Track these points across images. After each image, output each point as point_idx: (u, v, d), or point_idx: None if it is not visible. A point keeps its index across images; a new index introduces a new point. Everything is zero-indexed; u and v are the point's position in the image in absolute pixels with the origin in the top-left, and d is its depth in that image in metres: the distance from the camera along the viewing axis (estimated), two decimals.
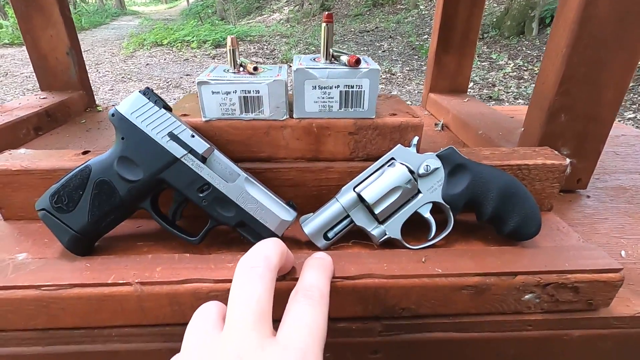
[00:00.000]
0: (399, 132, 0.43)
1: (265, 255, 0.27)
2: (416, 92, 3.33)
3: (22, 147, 0.74)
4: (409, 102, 3.08)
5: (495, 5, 4.90)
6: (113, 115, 0.36)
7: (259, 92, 0.40)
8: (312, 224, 0.39)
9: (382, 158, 0.41)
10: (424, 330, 0.38)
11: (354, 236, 0.41)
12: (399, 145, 0.41)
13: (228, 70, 0.42)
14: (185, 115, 0.42)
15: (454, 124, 0.85)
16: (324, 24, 0.39)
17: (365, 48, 4.65)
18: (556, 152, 0.48)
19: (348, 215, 0.39)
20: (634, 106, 2.66)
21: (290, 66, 0.42)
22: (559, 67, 0.52)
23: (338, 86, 0.40)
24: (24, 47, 0.92)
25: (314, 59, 0.43)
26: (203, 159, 0.37)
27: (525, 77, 3.43)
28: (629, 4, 0.47)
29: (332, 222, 0.39)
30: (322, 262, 0.32)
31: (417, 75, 3.72)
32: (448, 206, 0.40)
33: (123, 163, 0.36)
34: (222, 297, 0.34)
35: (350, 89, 0.40)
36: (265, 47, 4.88)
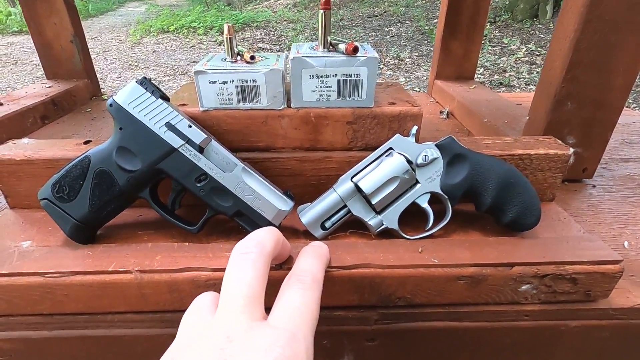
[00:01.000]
0: (397, 121, 0.42)
1: (259, 241, 0.27)
2: (424, 78, 3.27)
3: (28, 135, 0.75)
4: (417, 89, 3.03)
5: None
6: (111, 105, 0.37)
7: (255, 82, 0.39)
8: (310, 213, 0.39)
9: (380, 148, 0.40)
10: (420, 319, 0.39)
11: (352, 226, 0.41)
12: (398, 134, 0.40)
13: (225, 60, 0.41)
14: (183, 105, 0.42)
15: (459, 111, 0.84)
16: (321, 11, 0.39)
17: (373, 33, 4.56)
18: (560, 141, 0.47)
19: (345, 205, 0.39)
20: None
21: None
22: (566, 52, 0.50)
23: (336, 75, 0.39)
24: None
25: (313, 47, 0.42)
26: (200, 149, 0.37)
27: (538, 62, 3.33)
28: None
29: (330, 212, 0.39)
30: (318, 250, 0.32)
31: (426, 61, 3.64)
32: (446, 196, 0.40)
33: (121, 153, 0.37)
34: (220, 285, 0.34)
35: (348, 78, 0.40)
36: (272, 32, 4.82)
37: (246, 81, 0.40)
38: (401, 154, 0.39)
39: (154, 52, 4.30)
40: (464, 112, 0.81)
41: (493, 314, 0.39)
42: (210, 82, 0.40)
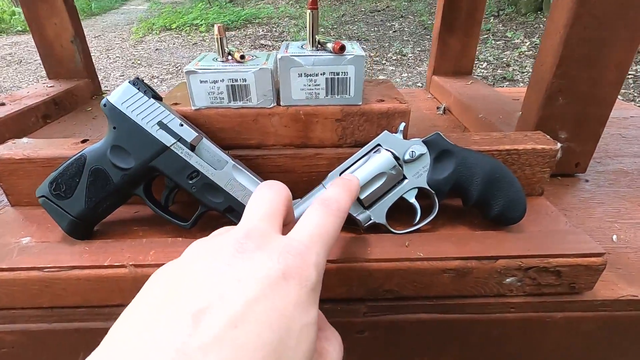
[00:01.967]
0: (386, 118, 0.43)
1: (280, 184, 0.28)
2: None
3: (31, 134, 0.77)
4: (419, 85, 3.02)
5: None
6: (105, 105, 0.38)
7: (245, 81, 0.40)
8: (300, 209, 0.40)
9: (368, 145, 0.41)
10: (408, 311, 0.39)
11: None
12: (385, 131, 0.41)
13: (216, 59, 0.42)
14: (176, 104, 0.43)
15: (455, 107, 0.84)
16: (308, 11, 0.39)
17: (375, 28, 4.54)
18: (548, 136, 0.47)
19: None
20: None
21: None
22: (556, 48, 0.51)
23: (324, 73, 0.40)
24: None
25: (302, 46, 0.43)
26: (192, 147, 0.38)
27: None
28: None
29: None
30: (348, 183, 0.31)
31: (428, 56, 3.62)
32: (433, 192, 0.40)
33: (115, 152, 0.38)
34: None
35: (336, 76, 0.40)
36: (274, 29, 4.82)
37: (236, 80, 0.40)
38: (389, 150, 0.40)
39: (156, 50, 4.31)
40: (461, 108, 0.81)
41: (479, 306, 0.39)
42: (201, 82, 0.41)
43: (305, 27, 0.37)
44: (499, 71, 3.15)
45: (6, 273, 0.36)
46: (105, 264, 0.36)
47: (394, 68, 3.45)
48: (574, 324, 0.40)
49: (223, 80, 0.40)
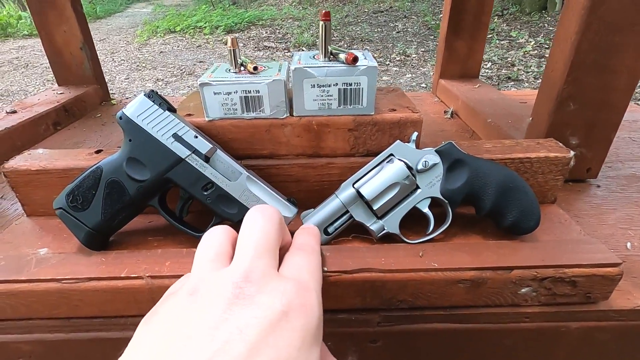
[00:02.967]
0: (398, 127, 0.43)
1: (272, 208, 0.28)
2: (431, 74, 3.24)
3: (42, 142, 0.78)
4: (423, 85, 3.01)
5: None
6: (121, 118, 0.38)
7: (259, 92, 0.41)
8: (313, 219, 0.41)
9: (381, 154, 0.41)
10: (421, 321, 0.40)
11: (354, 230, 0.42)
12: (398, 141, 0.41)
13: (229, 70, 0.42)
14: (189, 115, 0.44)
15: (463, 111, 0.84)
16: (321, 23, 0.39)
17: (379, 29, 4.54)
18: (560, 144, 0.47)
19: (347, 211, 0.40)
20: None
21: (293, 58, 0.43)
22: (567, 54, 0.51)
23: (336, 84, 0.40)
24: None
25: (314, 56, 0.43)
26: (206, 159, 0.38)
27: (547, 55, 3.28)
28: None
29: (332, 218, 0.40)
30: (310, 229, 0.33)
31: (432, 57, 3.61)
32: (446, 201, 0.40)
33: (131, 164, 0.38)
34: None
35: (349, 87, 0.41)
36: (278, 30, 4.83)
37: (249, 91, 0.41)
38: (401, 160, 0.40)
39: (160, 52, 4.34)
40: (468, 112, 0.81)
41: (493, 315, 0.39)
42: (215, 93, 0.41)
43: (317, 38, 0.37)
44: (503, 71, 3.13)
45: (25, 284, 0.37)
46: (122, 275, 0.37)
47: (397, 69, 3.44)
48: (589, 334, 0.40)
49: (236, 91, 0.41)
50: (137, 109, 0.38)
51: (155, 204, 0.40)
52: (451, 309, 0.39)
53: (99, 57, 1.01)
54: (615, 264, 0.37)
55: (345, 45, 4.03)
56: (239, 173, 0.39)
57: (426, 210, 0.41)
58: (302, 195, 0.45)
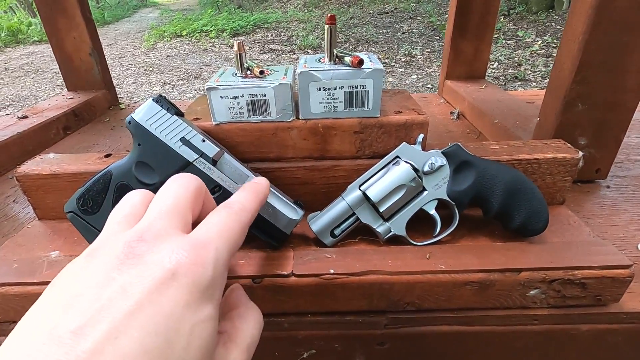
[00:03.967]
0: (404, 129, 0.43)
1: (190, 176, 0.27)
2: (436, 74, 3.23)
3: (52, 146, 0.79)
4: (429, 86, 3.00)
5: None
6: (130, 122, 0.39)
7: (265, 96, 0.41)
8: (320, 222, 0.41)
9: (387, 156, 0.41)
10: (429, 323, 0.39)
11: (361, 232, 0.42)
12: (404, 143, 0.41)
13: (236, 74, 0.43)
14: (197, 118, 0.44)
15: (469, 112, 0.84)
16: (327, 26, 0.40)
17: (384, 30, 4.53)
18: (569, 145, 0.47)
19: (354, 213, 0.41)
20: None
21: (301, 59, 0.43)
22: (575, 54, 0.50)
23: (342, 87, 0.41)
24: None
25: (319, 60, 0.43)
26: (214, 162, 0.39)
27: (554, 54, 3.25)
28: None
29: (339, 220, 0.41)
30: (255, 185, 0.31)
31: (438, 57, 3.60)
32: (453, 203, 0.40)
33: (140, 168, 0.39)
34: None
35: (354, 90, 0.41)
36: (283, 33, 4.85)
37: (256, 95, 0.41)
38: (408, 162, 0.40)
39: (167, 56, 4.38)
40: (475, 113, 0.81)
41: (502, 318, 0.39)
42: (222, 97, 0.41)
43: (323, 42, 0.37)
44: (510, 71, 3.11)
45: (37, 287, 0.37)
46: None
47: (403, 70, 3.43)
48: (601, 337, 0.39)
49: (243, 95, 0.41)
50: (145, 113, 0.38)
51: None
52: (459, 311, 0.39)
53: (107, 62, 1.03)
54: (625, 266, 0.36)
55: (351, 47, 4.04)
56: (246, 176, 0.40)
57: (433, 212, 0.41)
58: (309, 197, 0.45)
